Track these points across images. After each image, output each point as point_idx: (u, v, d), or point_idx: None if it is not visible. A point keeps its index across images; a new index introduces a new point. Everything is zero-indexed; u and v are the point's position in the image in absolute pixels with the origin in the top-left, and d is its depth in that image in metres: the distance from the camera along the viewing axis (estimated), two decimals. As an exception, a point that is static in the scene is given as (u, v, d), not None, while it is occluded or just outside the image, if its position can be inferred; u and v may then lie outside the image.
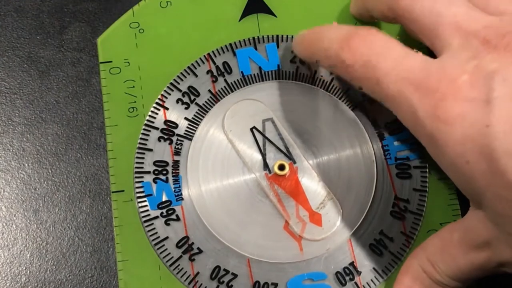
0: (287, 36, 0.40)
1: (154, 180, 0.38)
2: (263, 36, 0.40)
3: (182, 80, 0.39)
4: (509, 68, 0.28)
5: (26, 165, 0.40)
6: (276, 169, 0.38)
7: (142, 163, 0.38)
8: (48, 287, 0.38)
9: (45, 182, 0.40)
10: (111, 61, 0.39)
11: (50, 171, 0.40)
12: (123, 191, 0.38)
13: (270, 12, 0.41)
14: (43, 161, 0.40)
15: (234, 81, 0.39)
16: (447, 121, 0.29)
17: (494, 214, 0.29)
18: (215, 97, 0.39)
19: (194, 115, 0.39)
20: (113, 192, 0.38)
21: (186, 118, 0.39)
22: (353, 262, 0.37)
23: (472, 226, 0.31)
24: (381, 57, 0.31)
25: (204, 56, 0.39)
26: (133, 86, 0.39)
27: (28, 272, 0.38)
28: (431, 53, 0.32)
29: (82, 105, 0.41)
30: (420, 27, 0.33)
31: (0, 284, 0.38)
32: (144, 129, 0.38)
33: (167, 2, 0.40)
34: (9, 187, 0.40)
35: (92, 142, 0.40)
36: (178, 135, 0.38)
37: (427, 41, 0.33)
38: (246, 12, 0.41)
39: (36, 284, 0.38)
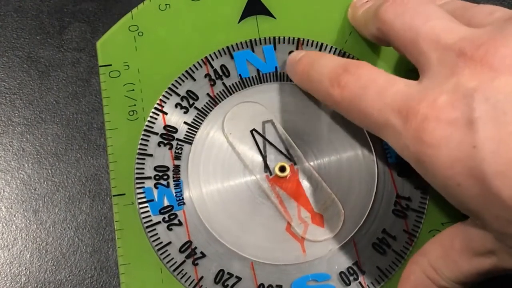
0: (283, 37, 0.39)
1: (155, 186, 0.37)
2: (260, 38, 0.39)
3: (180, 84, 0.38)
4: (487, 84, 0.26)
5: (26, 165, 0.39)
6: (277, 171, 0.37)
7: (143, 168, 0.37)
8: (48, 287, 0.37)
9: (45, 183, 0.39)
10: (110, 65, 0.38)
11: (50, 172, 0.39)
12: (124, 194, 0.36)
13: (269, 14, 0.40)
14: (43, 161, 0.39)
15: (232, 84, 0.38)
16: (432, 144, 0.27)
17: (494, 231, 0.28)
18: (214, 101, 0.38)
19: (194, 119, 0.38)
20: (114, 195, 0.36)
21: (185, 123, 0.38)
22: (356, 261, 0.36)
23: (474, 236, 0.30)
24: (365, 89, 0.31)
25: (202, 59, 0.39)
26: (133, 89, 0.38)
27: (28, 272, 0.37)
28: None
29: (82, 105, 0.40)
30: (403, 44, 0.32)
31: (0, 284, 0.37)
32: (143, 135, 0.37)
33: (166, 4, 0.39)
34: (9, 187, 0.39)
35: (92, 142, 0.39)
36: (178, 139, 0.37)
37: (412, 59, 0.32)
38: (245, 14, 0.40)
39: (36, 285, 0.37)
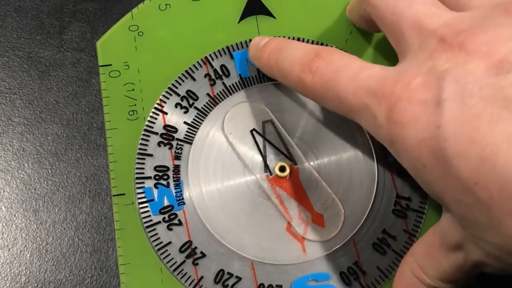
0: (283, 37, 0.38)
1: (155, 185, 0.36)
2: (260, 38, 0.38)
3: (180, 84, 0.38)
4: (460, 67, 0.26)
5: (26, 165, 0.39)
6: (277, 171, 0.36)
7: (143, 168, 0.36)
8: (48, 287, 0.37)
9: (45, 182, 0.38)
10: (110, 65, 0.38)
11: (50, 171, 0.39)
12: (124, 194, 0.36)
13: (269, 14, 0.39)
14: (43, 161, 0.39)
15: (232, 84, 0.38)
16: (402, 124, 0.27)
17: (457, 216, 0.28)
18: (214, 100, 0.38)
19: (194, 119, 0.37)
20: (114, 195, 0.36)
21: (185, 122, 0.37)
22: (357, 261, 0.36)
23: (446, 229, 0.30)
24: (339, 73, 0.30)
25: (202, 59, 0.38)
26: (133, 89, 0.37)
27: (28, 272, 0.37)
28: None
29: (82, 105, 0.40)
30: (386, 28, 0.32)
31: (0, 284, 0.37)
32: (143, 135, 0.37)
33: (166, 4, 0.39)
34: (9, 187, 0.38)
35: (92, 142, 0.39)
36: (178, 139, 0.37)
37: (393, 42, 0.32)
38: (245, 14, 0.39)
39: (36, 284, 0.37)
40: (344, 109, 0.31)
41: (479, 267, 0.29)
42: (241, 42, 0.38)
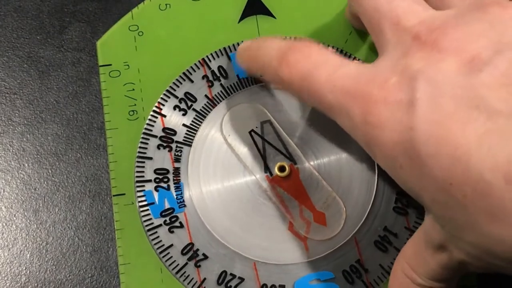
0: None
1: (156, 188, 0.36)
2: (258, 39, 0.38)
3: (178, 86, 0.38)
4: (432, 66, 0.26)
5: (26, 165, 0.38)
6: (277, 171, 0.36)
7: (143, 171, 0.36)
8: (48, 287, 0.36)
9: (45, 182, 0.38)
10: (110, 64, 0.38)
11: (50, 171, 0.38)
12: (124, 194, 0.36)
13: (269, 14, 0.39)
14: (43, 161, 0.38)
15: (230, 85, 0.38)
16: (376, 125, 0.27)
17: (435, 216, 0.28)
18: (212, 102, 0.37)
19: (192, 121, 0.37)
20: (114, 195, 0.36)
21: (184, 125, 0.37)
22: (359, 259, 0.35)
23: (429, 229, 0.30)
24: (316, 69, 0.30)
25: (199, 61, 0.38)
26: (133, 89, 0.37)
27: (28, 272, 0.37)
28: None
29: (82, 105, 0.39)
30: (368, 25, 0.31)
31: (0, 284, 0.36)
32: (142, 138, 0.37)
33: (166, 4, 0.39)
34: (9, 187, 0.38)
35: (92, 142, 0.39)
36: (177, 142, 0.37)
37: (374, 38, 0.31)
38: (245, 14, 0.39)
39: (36, 284, 0.36)
40: (322, 106, 0.30)
41: (464, 266, 0.29)
42: (234, 44, 0.38)
